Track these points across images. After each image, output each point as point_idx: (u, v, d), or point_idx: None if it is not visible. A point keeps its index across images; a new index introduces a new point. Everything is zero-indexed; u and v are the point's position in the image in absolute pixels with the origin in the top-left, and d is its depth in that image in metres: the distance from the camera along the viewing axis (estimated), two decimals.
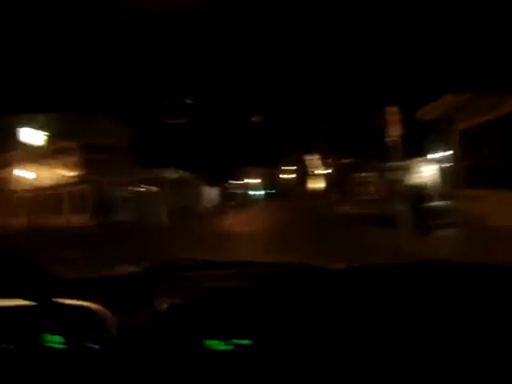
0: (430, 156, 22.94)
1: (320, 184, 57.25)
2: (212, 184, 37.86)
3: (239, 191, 54.92)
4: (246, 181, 56.58)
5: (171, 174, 27.13)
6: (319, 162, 51.27)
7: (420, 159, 25.71)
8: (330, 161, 37.28)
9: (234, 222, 20.13)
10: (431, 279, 1.61)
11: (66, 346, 1.39)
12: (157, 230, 17.75)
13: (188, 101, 1.22)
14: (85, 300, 1.53)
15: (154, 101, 1.29)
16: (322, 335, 1.40)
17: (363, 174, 32.02)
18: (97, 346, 1.40)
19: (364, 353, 1.35)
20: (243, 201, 46.23)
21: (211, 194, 39.41)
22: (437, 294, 1.51)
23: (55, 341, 1.41)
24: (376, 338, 1.37)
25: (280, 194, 60.40)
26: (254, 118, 1.64)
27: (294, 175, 68.17)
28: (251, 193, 58.61)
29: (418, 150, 25.47)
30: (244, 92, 1.28)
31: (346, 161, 25.77)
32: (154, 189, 25.62)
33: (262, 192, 62.48)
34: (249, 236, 13.19)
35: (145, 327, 1.50)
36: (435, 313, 1.43)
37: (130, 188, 24.68)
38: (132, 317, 1.53)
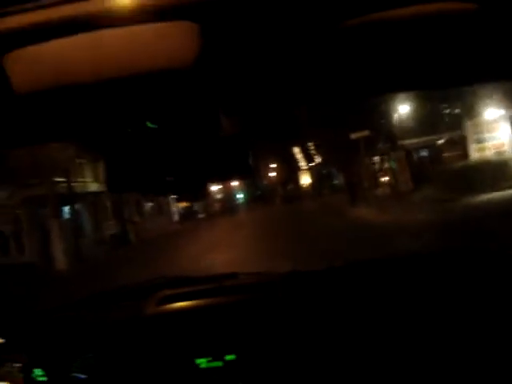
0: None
1: (311, 179, 50.77)
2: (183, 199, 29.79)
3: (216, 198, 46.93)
4: (221, 186, 47.65)
5: (91, 186, 18.17)
6: (311, 152, 43.11)
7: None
8: (322, 146, 28.15)
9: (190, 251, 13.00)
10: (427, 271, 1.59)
11: (47, 379, 1.45)
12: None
13: (149, 125, 1.16)
14: (64, 326, 1.61)
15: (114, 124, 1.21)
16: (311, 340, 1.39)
17: (375, 158, 23.16)
18: (82, 376, 1.43)
19: (360, 361, 1.34)
20: (223, 209, 37.55)
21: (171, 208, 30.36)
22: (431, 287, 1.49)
23: (37, 374, 1.45)
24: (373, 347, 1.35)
25: (264, 196, 52.77)
26: (223, 133, 1.20)
27: (277, 173, 60.92)
28: (231, 198, 50.81)
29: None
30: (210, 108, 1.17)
31: (354, 136, 16.39)
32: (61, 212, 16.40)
33: (242, 196, 54.33)
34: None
35: (131, 348, 1.48)
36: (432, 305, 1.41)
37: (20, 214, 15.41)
38: (118, 338, 1.53)
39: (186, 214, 31.70)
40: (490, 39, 0.92)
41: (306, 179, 55.18)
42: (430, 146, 21.05)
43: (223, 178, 1.35)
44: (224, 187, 50.34)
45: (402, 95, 18.44)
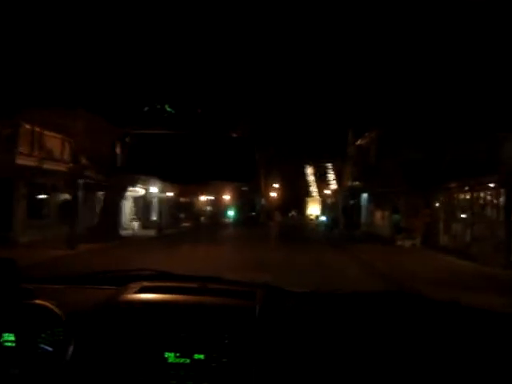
0: None
1: (317, 211, 41.53)
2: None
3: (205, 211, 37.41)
4: (207, 197, 38.07)
5: None
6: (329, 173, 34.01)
7: None
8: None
9: None
10: (394, 309, 1.68)
11: (15, 345, 1.50)
12: None
13: (167, 108, 1.38)
14: (40, 299, 1.57)
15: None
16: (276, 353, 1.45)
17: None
18: (49, 348, 1.48)
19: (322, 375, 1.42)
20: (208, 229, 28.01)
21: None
22: (393, 325, 1.58)
23: (8, 339, 1.51)
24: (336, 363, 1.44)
25: (257, 219, 42.94)
26: (235, 133, 1.14)
27: (277, 194, 51.24)
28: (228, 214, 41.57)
29: None
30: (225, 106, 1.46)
31: None
32: None
33: (233, 213, 44.50)
34: None
35: (103, 331, 1.50)
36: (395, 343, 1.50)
37: None
38: (88, 319, 1.54)
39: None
40: None
41: (314, 209, 45.39)
42: None
43: (227, 176, 1.34)
44: (215, 199, 40.64)
45: None
